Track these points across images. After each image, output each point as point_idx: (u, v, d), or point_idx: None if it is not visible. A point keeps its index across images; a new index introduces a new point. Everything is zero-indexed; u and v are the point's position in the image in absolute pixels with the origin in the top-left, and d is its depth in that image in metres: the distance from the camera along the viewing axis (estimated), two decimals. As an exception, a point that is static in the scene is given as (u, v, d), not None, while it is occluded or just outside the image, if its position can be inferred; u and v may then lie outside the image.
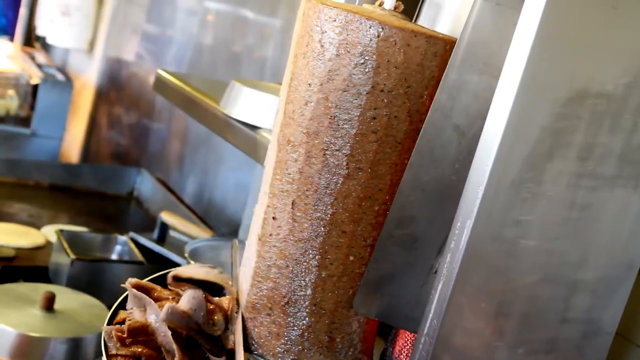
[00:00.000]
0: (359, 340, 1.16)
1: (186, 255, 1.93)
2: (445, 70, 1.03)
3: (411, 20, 1.17)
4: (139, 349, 1.11)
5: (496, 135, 0.94)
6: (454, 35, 1.07)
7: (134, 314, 1.16)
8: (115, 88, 3.93)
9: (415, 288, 1.09)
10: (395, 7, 1.13)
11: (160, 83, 1.96)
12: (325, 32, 1.07)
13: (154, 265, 2.18)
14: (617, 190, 1.01)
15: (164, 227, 2.40)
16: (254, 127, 1.56)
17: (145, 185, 3.24)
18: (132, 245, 2.34)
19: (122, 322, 1.17)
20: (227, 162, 2.75)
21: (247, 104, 1.59)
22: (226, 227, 2.63)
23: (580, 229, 1.01)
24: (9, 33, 4.79)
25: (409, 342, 1.21)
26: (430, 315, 0.99)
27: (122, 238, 2.41)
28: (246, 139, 1.56)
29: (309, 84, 1.09)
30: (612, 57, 0.97)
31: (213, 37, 3.08)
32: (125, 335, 1.11)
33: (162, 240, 2.38)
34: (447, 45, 1.06)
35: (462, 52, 1.03)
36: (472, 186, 0.96)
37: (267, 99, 1.57)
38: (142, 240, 2.34)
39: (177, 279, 1.20)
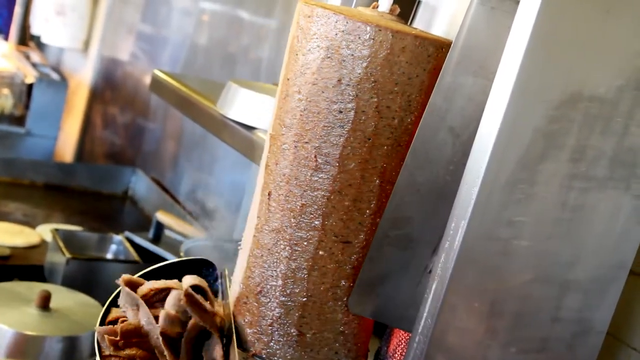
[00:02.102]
0: (336, 340, 1.15)
1: (181, 254, 1.95)
2: (440, 73, 1.04)
3: (407, 23, 1.18)
4: (133, 352, 1.11)
5: (490, 136, 0.96)
6: (450, 38, 1.08)
7: (127, 314, 1.16)
8: (110, 88, 3.94)
9: (410, 288, 1.11)
10: (391, 11, 1.14)
11: (156, 83, 1.97)
12: (302, 27, 1.10)
13: (149, 265, 2.18)
14: (609, 192, 1.03)
15: (160, 227, 2.41)
16: (250, 128, 1.57)
17: (140, 184, 3.25)
18: (128, 245, 2.35)
19: (115, 322, 1.17)
20: (222, 162, 2.76)
21: (243, 105, 1.60)
22: (221, 227, 2.64)
23: (572, 229, 1.03)
24: (4, 32, 4.79)
25: (403, 341, 1.23)
26: (425, 314, 1.01)
27: (118, 237, 2.42)
28: (242, 139, 1.57)
29: (288, 78, 1.12)
30: (605, 60, 0.99)
31: (208, 37, 3.09)
32: (118, 339, 1.11)
33: (157, 239, 2.39)
34: (417, 40, 1.06)
35: (457, 55, 1.04)
36: (466, 187, 0.98)
37: (263, 99, 1.59)
38: (138, 239, 2.35)
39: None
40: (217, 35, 3.00)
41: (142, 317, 1.14)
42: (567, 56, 0.96)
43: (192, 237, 2.28)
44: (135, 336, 1.13)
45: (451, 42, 1.07)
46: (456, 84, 1.04)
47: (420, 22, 1.26)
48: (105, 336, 1.12)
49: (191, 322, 1.12)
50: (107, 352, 1.12)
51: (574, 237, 1.03)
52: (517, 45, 0.94)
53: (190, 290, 1.12)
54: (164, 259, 2.23)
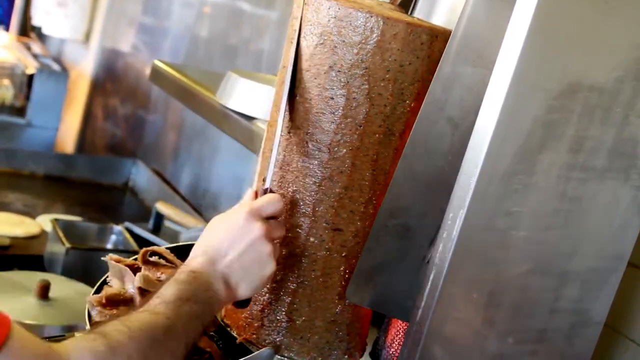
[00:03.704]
0: (327, 329, 1.14)
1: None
2: (439, 63, 1.04)
3: (407, 13, 1.18)
4: (121, 314, 1.15)
5: (489, 127, 0.95)
6: (449, 28, 1.08)
7: (111, 283, 1.22)
8: (111, 79, 3.93)
9: (408, 278, 1.11)
10: (392, 1, 1.14)
11: (156, 73, 1.97)
12: (297, 17, 1.11)
13: (148, 255, 2.18)
14: (607, 183, 1.03)
15: (159, 217, 2.41)
16: (249, 118, 1.57)
17: (140, 175, 3.25)
18: (127, 235, 2.35)
19: None
20: (222, 153, 2.76)
21: (243, 95, 1.60)
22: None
23: (571, 220, 1.02)
24: (5, 23, 4.79)
25: (401, 331, 1.23)
26: (422, 304, 1.01)
27: (118, 228, 2.42)
28: (242, 129, 1.57)
29: (284, 66, 1.13)
30: (604, 51, 0.98)
31: (209, 29, 3.08)
32: (104, 302, 1.16)
33: (157, 230, 2.39)
34: (409, 28, 1.06)
35: (456, 44, 1.04)
36: (464, 177, 0.98)
37: (262, 89, 1.58)
38: (137, 230, 2.35)
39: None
40: (218, 26, 2.99)
41: (127, 282, 1.19)
42: (566, 46, 0.96)
43: (192, 228, 2.28)
44: (121, 301, 1.18)
45: (446, 31, 1.07)
46: (455, 74, 1.04)
47: (421, 12, 1.26)
48: (93, 299, 1.17)
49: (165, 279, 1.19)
50: (96, 319, 1.15)
51: (572, 228, 1.03)
52: (516, 35, 0.94)
53: (144, 251, 1.24)
54: (164, 250, 2.24)
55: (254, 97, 1.58)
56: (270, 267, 1.07)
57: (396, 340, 1.23)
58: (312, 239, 1.11)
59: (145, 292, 1.16)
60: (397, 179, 1.07)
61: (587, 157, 1.00)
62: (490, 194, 0.97)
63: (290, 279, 1.13)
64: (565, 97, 0.97)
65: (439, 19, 1.22)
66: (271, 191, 1.11)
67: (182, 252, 1.28)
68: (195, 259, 1.06)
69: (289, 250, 1.12)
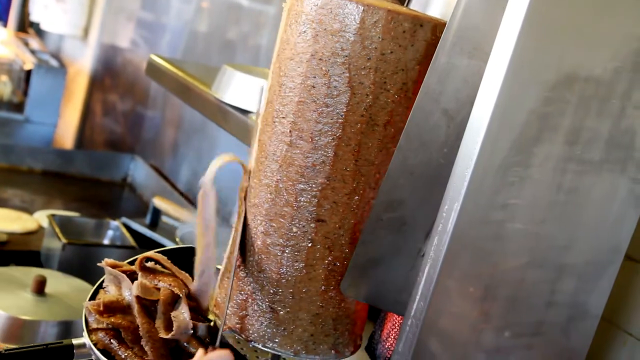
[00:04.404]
0: (312, 322, 1.13)
1: (177, 239, 1.94)
2: (435, 54, 1.03)
3: (403, 5, 1.17)
4: (118, 321, 1.15)
5: (484, 118, 0.94)
6: (445, 19, 1.07)
7: (108, 289, 1.21)
8: (109, 75, 3.92)
9: (403, 271, 1.10)
10: None
11: (152, 68, 1.96)
12: (286, 5, 1.11)
13: (145, 250, 2.17)
14: (604, 175, 1.02)
15: (156, 213, 2.40)
16: (245, 112, 1.56)
17: (138, 171, 3.24)
18: (124, 230, 2.35)
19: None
20: (221, 149, 2.75)
21: (238, 88, 1.59)
22: (220, 214, 2.63)
23: (567, 212, 1.02)
24: (3, 19, 4.78)
25: (397, 326, 1.22)
26: (417, 297, 1.00)
27: (114, 223, 2.42)
28: (238, 123, 1.56)
29: (275, 56, 1.13)
30: (601, 41, 0.97)
31: (208, 24, 3.07)
32: (101, 309, 1.15)
33: (154, 225, 2.38)
34: (390, 15, 1.04)
35: (452, 36, 1.03)
36: (459, 169, 0.97)
37: (258, 83, 1.58)
38: (134, 225, 2.35)
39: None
40: (216, 22, 2.99)
41: (124, 289, 1.18)
42: (562, 37, 0.95)
43: (189, 223, 2.27)
44: (117, 308, 1.17)
45: (432, 19, 1.06)
46: (450, 66, 1.03)
47: (417, 4, 1.25)
48: (90, 306, 1.16)
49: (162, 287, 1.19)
50: (94, 326, 1.14)
51: (569, 221, 1.02)
52: (511, 25, 0.93)
53: (141, 257, 1.22)
54: (161, 245, 2.23)
55: (249, 91, 1.57)
56: None
57: (392, 335, 1.22)
58: (294, 230, 1.11)
59: (143, 301, 1.15)
60: (391, 172, 1.06)
61: (584, 149, 0.99)
62: (486, 187, 0.97)
63: (274, 268, 1.12)
64: (561, 89, 0.96)
65: (435, 10, 1.20)
66: (222, 346, 1.12)
67: (178, 255, 1.27)
68: None
69: (273, 240, 1.12)
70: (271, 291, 1.13)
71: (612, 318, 1.21)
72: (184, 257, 1.27)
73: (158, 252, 1.27)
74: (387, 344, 1.23)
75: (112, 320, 1.14)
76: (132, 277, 1.21)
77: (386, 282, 1.11)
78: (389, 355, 1.24)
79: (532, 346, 1.07)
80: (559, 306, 1.06)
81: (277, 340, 1.13)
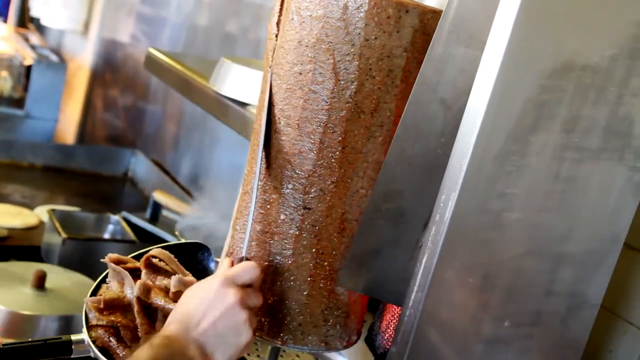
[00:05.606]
0: (300, 311, 1.13)
1: (177, 233, 1.94)
2: (431, 43, 1.03)
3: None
4: (118, 319, 1.14)
5: (480, 107, 0.94)
6: (441, 8, 1.06)
7: (110, 286, 1.20)
8: (110, 69, 3.92)
9: (401, 262, 1.09)
10: None
11: (151, 61, 1.95)
12: None
13: (145, 244, 2.17)
14: (602, 163, 1.01)
15: (157, 207, 2.40)
16: (243, 104, 1.56)
17: (140, 166, 3.24)
18: (125, 224, 2.35)
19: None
20: (222, 143, 2.75)
21: (236, 81, 1.58)
22: (220, 207, 2.62)
23: (565, 201, 1.01)
24: (3, 14, 4.78)
25: (396, 317, 1.22)
26: (415, 288, 0.99)
27: (115, 217, 2.41)
28: (237, 116, 1.56)
29: (266, 46, 1.14)
30: (598, 29, 0.97)
31: (207, 17, 3.07)
32: (102, 307, 1.14)
33: (154, 219, 2.38)
34: (373, 1, 1.04)
35: (448, 25, 1.02)
36: (456, 159, 0.96)
37: (256, 75, 1.57)
38: (134, 219, 2.34)
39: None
40: (216, 15, 2.98)
41: (127, 287, 1.17)
42: (558, 25, 0.95)
43: (189, 217, 2.27)
44: (118, 305, 1.16)
45: (419, 6, 1.06)
46: (447, 55, 1.03)
47: (413, -6, 1.24)
48: (90, 303, 1.15)
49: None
50: (93, 322, 1.13)
51: (567, 210, 1.02)
52: (507, 14, 0.92)
53: (147, 255, 1.21)
54: (161, 239, 2.23)
55: (247, 83, 1.56)
56: (245, 335, 1.04)
57: (391, 326, 1.22)
58: (282, 217, 1.11)
59: (143, 302, 1.14)
60: (389, 162, 1.06)
61: (581, 137, 0.99)
62: (483, 176, 0.96)
63: (263, 255, 1.12)
64: (558, 77, 0.95)
65: (432, 0, 1.20)
66: (247, 259, 1.11)
67: (181, 251, 1.27)
68: (169, 326, 1.04)
69: (262, 227, 1.12)
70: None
71: (613, 307, 1.20)
72: (185, 254, 1.26)
73: (164, 247, 1.25)
74: (387, 335, 1.22)
75: (112, 318, 1.13)
76: (136, 273, 1.20)
77: (385, 273, 1.11)
78: (388, 346, 1.24)
79: (531, 335, 1.06)
80: (558, 295, 1.05)
81: (264, 329, 1.13)
